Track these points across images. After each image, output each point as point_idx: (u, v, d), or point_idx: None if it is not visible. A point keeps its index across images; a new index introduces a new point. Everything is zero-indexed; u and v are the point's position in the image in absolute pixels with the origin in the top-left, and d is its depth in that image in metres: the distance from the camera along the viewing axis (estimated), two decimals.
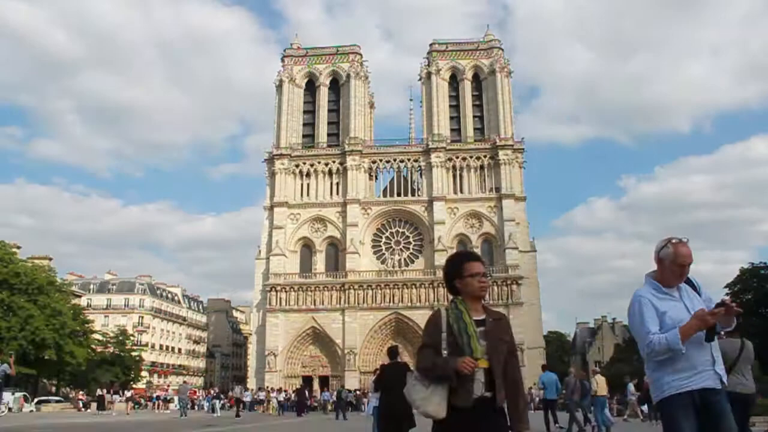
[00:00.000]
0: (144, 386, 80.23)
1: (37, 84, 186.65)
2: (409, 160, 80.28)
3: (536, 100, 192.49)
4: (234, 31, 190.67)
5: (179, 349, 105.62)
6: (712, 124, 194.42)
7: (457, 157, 78.65)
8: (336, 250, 77.64)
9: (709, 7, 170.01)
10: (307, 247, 78.10)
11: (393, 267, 76.34)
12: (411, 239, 78.06)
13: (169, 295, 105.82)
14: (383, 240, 78.29)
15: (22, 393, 41.76)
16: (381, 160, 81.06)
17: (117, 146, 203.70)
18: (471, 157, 78.71)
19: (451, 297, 4.34)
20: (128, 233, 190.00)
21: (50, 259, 67.51)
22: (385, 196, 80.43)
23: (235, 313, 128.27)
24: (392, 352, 10.74)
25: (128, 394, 51.48)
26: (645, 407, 29.38)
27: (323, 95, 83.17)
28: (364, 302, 73.62)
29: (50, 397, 51.02)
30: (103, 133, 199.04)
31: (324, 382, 71.44)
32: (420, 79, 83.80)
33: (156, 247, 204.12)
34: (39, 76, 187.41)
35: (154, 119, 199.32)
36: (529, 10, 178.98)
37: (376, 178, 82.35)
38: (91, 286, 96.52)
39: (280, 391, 51.51)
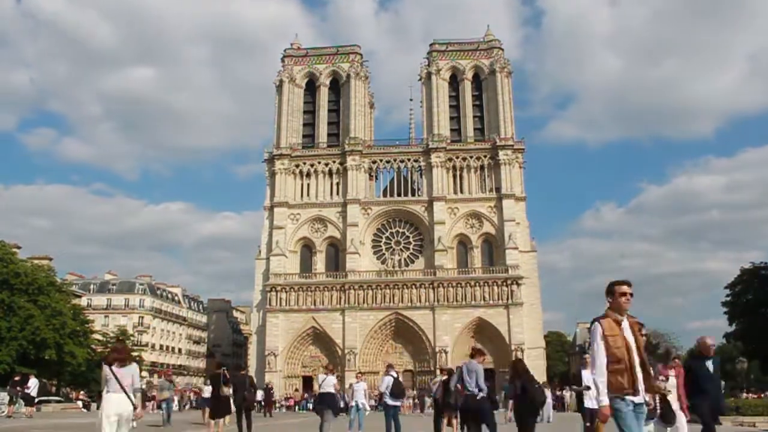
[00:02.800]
0: (144, 386, 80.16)
1: (72, 82, 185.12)
2: (409, 160, 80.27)
3: (564, 103, 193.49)
4: (282, 28, 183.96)
5: (179, 350, 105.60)
6: (738, 129, 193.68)
7: (457, 157, 78.64)
8: (336, 250, 77.64)
9: (747, 14, 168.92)
10: (307, 247, 78.10)
11: (393, 267, 76.32)
12: (411, 239, 78.05)
13: (169, 296, 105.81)
14: (383, 240, 78.28)
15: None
16: (381, 160, 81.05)
17: (150, 147, 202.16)
18: (471, 157, 78.69)
19: None
20: (149, 233, 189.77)
21: (50, 260, 67.53)
22: (385, 196, 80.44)
23: (236, 313, 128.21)
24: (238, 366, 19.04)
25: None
26: None
27: (323, 95, 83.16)
28: (364, 302, 73.61)
29: (50, 397, 50.97)
30: (135, 134, 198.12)
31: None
32: (420, 79, 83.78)
33: (175, 248, 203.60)
34: (75, 74, 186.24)
35: (193, 121, 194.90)
36: (564, 14, 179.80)
37: (376, 178, 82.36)
38: (92, 287, 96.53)
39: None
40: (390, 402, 16.09)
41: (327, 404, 15.85)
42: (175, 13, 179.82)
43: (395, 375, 16.54)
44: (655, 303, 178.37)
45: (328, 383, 15.98)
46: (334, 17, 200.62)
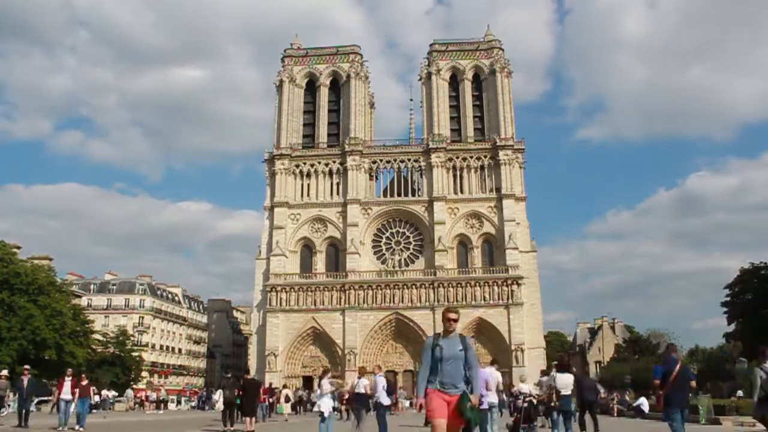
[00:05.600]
0: (144, 386, 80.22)
1: (101, 85, 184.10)
2: (409, 160, 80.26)
3: (592, 108, 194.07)
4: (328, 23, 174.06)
5: (179, 350, 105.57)
6: (759, 132, 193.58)
7: (458, 157, 78.63)
8: (336, 250, 77.64)
9: None
10: (308, 248, 78.10)
11: (393, 267, 76.32)
12: (411, 239, 78.04)
13: (170, 296, 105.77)
14: (383, 240, 78.28)
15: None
16: (381, 160, 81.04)
17: (178, 149, 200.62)
18: (471, 157, 78.69)
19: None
20: (167, 233, 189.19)
21: (50, 260, 67.54)
22: (385, 196, 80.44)
23: (236, 313, 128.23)
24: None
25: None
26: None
27: (323, 95, 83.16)
28: (364, 302, 73.61)
29: (50, 398, 50.98)
30: (163, 135, 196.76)
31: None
32: (420, 79, 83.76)
33: (191, 248, 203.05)
34: (105, 76, 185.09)
35: (225, 123, 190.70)
36: (592, 16, 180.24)
37: (377, 178, 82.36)
38: (92, 287, 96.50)
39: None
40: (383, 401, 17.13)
41: (362, 403, 17.59)
42: (216, 10, 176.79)
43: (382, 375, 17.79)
44: (662, 303, 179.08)
45: (360, 385, 17.62)
46: (384, 12, 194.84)
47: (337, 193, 78.87)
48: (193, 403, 64.54)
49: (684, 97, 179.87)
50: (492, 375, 14.50)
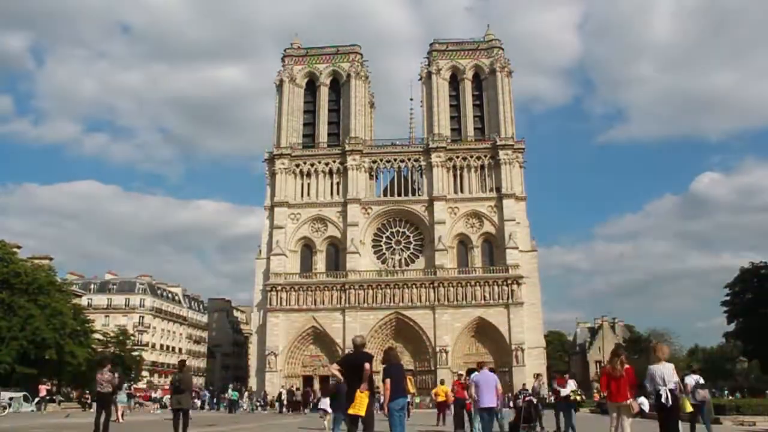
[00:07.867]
0: (145, 386, 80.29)
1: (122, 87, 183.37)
2: (409, 159, 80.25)
3: (613, 111, 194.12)
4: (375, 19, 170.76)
5: (180, 349, 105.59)
6: None
7: (458, 157, 78.64)
8: (336, 250, 77.65)
9: None
10: (308, 247, 78.11)
11: (393, 267, 76.33)
12: (411, 239, 78.05)
13: (170, 295, 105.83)
14: (384, 240, 78.29)
15: (22, 393, 41.77)
16: (381, 160, 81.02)
17: (200, 149, 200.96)
18: (471, 156, 78.70)
19: None
20: (180, 233, 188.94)
21: (51, 259, 67.57)
22: (385, 195, 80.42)
23: (236, 313, 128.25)
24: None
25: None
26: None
27: (323, 95, 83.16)
28: (364, 302, 73.62)
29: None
30: (186, 136, 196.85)
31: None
32: (420, 79, 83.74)
33: (201, 248, 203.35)
34: (129, 78, 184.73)
35: (252, 124, 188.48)
36: (612, 20, 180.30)
37: (377, 178, 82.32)
38: (92, 286, 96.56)
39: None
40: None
41: None
42: (253, 8, 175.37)
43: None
44: (667, 303, 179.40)
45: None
46: (427, 8, 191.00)
47: (337, 193, 78.87)
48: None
49: (701, 100, 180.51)
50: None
